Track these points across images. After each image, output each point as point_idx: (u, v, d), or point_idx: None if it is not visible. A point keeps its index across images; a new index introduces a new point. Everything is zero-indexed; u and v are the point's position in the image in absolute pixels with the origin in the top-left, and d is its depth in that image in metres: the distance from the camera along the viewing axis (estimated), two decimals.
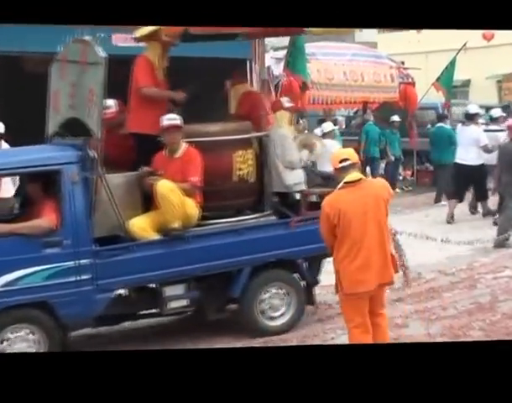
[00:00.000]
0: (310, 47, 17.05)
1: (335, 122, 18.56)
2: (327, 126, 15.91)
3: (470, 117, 16.11)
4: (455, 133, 17.64)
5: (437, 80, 21.15)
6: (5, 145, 12.65)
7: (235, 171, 8.93)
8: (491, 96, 34.22)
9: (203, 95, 16.44)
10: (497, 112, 17.24)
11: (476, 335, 8.25)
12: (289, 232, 9.08)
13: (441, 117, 19.37)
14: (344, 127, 19.57)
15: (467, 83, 38.63)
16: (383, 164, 20.73)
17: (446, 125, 18.81)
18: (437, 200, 18.18)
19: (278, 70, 16.57)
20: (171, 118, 8.47)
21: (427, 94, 21.52)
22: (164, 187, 8.12)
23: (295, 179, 9.40)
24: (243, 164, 9.02)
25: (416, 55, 33.79)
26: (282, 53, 16.95)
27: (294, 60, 15.93)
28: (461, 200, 15.87)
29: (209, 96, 16.39)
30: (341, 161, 6.75)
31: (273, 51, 19.48)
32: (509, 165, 12.91)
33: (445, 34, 34.28)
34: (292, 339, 8.51)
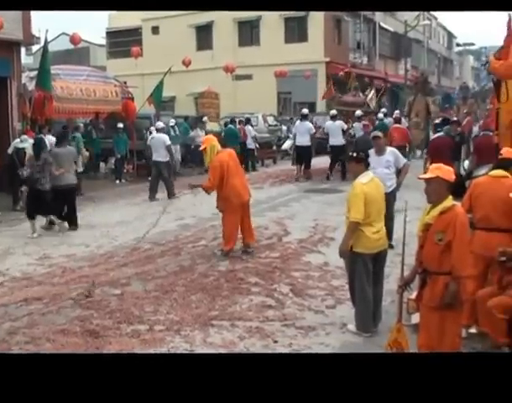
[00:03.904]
0: (54, 69, 17.57)
1: (77, 128, 18.37)
2: (160, 123, 17.65)
3: (305, 117, 20.60)
4: (238, 131, 21.92)
5: (150, 96, 21.70)
6: None
7: None
8: (190, 108, 35.46)
9: None
10: (334, 113, 21.03)
11: (180, 290, 8.46)
12: None
13: (232, 121, 22.73)
14: (83, 131, 19.94)
15: (173, 99, 39.97)
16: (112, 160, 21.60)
17: (234, 127, 22.22)
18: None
19: (31, 86, 16.88)
20: None
21: (143, 107, 21.86)
22: None
23: None
24: None
25: (135, 77, 34.43)
26: (34, 73, 17.37)
27: (43, 79, 16.43)
28: (300, 166, 20.51)
29: None
30: None
31: (28, 71, 19.65)
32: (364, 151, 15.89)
33: (157, 61, 35.60)
34: None
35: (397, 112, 25.85)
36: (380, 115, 23.12)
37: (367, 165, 6.91)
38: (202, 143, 10.68)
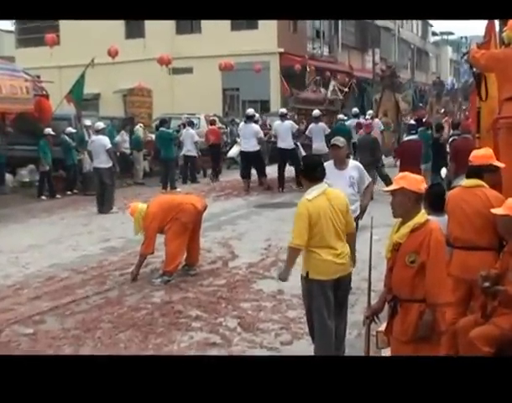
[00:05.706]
0: None
1: None
2: (100, 124, 18.15)
3: (250, 118, 20.85)
4: (174, 135, 21.94)
5: (69, 93, 21.78)
6: None
7: None
8: (118, 108, 35.35)
9: None
10: (284, 111, 21.36)
11: (105, 327, 8.39)
12: None
13: (163, 123, 22.39)
14: None
15: (97, 96, 39.80)
16: None
17: (167, 129, 22.10)
18: (164, 187, 20.44)
19: None
20: None
21: (61, 106, 21.92)
22: None
23: None
24: None
25: (51, 69, 34.10)
26: None
27: None
28: (248, 177, 20.75)
29: None
30: None
31: None
32: (366, 151, 17.25)
33: (77, 51, 35.32)
34: None
35: (370, 112, 26.31)
36: (341, 115, 23.35)
37: (322, 177, 6.69)
38: (131, 214, 11.06)
